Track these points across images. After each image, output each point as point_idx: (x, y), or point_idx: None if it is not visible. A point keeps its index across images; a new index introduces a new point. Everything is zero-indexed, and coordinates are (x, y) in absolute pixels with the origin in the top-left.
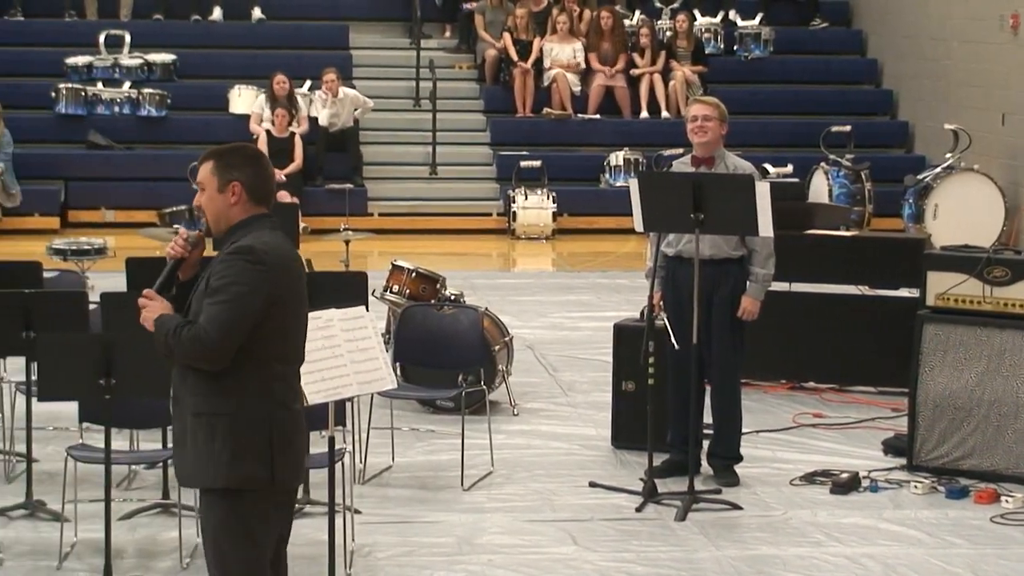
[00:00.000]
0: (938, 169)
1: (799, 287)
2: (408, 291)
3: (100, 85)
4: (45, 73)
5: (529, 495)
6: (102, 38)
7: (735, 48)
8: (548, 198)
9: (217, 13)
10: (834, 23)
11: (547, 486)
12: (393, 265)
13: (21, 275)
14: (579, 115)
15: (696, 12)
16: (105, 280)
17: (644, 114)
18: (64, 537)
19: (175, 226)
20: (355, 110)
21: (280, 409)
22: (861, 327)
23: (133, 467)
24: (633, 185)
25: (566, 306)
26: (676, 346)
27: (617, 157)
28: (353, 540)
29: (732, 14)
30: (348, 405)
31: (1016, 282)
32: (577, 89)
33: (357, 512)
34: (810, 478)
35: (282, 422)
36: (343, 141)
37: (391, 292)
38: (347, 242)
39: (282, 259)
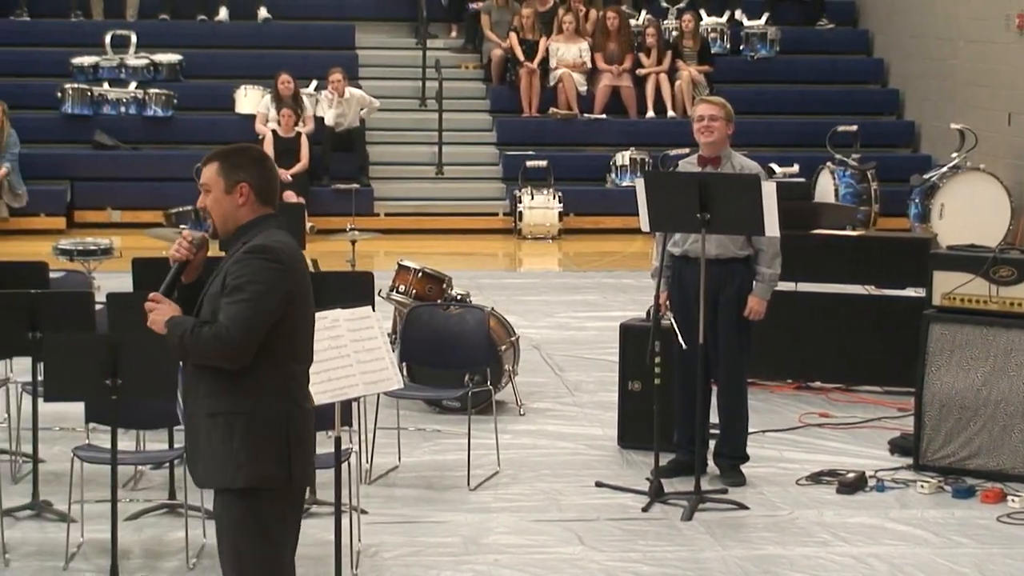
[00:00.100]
0: (944, 169)
1: (805, 287)
2: (414, 291)
3: (106, 85)
4: (51, 73)
5: (535, 495)
6: (108, 38)
7: (741, 48)
8: (554, 198)
9: (223, 13)
10: (840, 23)
11: (553, 486)
12: (399, 265)
13: (27, 275)
14: (585, 115)
15: (702, 12)
16: (111, 280)
17: (650, 114)
18: (70, 537)
19: (181, 226)
20: (361, 110)
21: (295, 408)
22: (867, 327)
23: (139, 467)
24: (639, 185)
25: (572, 306)
26: (684, 346)
27: (623, 157)
28: (359, 540)
29: (738, 14)
30: (354, 405)
31: (1022, 281)
32: (583, 89)
33: (363, 512)
34: (816, 478)
35: (297, 421)
36: (349, 141)
37: (397, 292)
38: (353, 242)
39: (295, 258)
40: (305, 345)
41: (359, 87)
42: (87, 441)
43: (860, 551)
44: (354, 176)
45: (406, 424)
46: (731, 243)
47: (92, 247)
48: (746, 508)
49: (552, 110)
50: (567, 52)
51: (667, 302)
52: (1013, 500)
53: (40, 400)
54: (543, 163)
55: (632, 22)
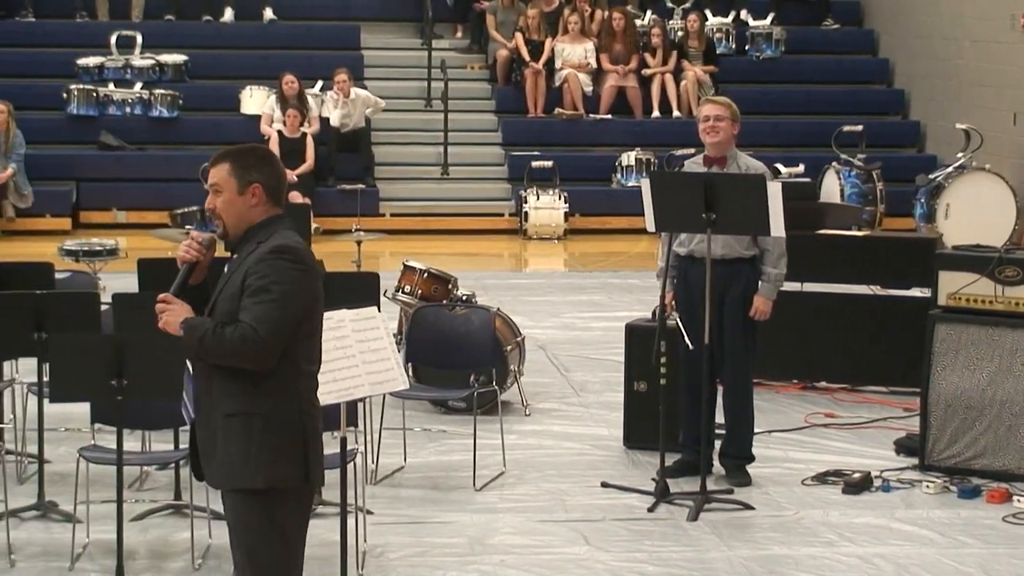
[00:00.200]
0: (950, 169)
1: (811, 287)
2: (420, 291)
3: (112, 86)
4: (57, 74)
5: (541, 495)
6: (114, 39)
7: (747, 48)
8: (560, 198)
9: (228, 14)
10: (846, 23)
11: (559, 486)
12: (405, 265)
13: (33, 276)
14: (591, 115)
15: (707, 12)
16: (117, 281)
17: (656, 114)
18: (76, 538)
19: (187, 227)
20: (367, 110)
21: (309, 408)
22: (873, 327)
23: (145, 468)
24: (645, 185)
25: (578, 306)
26: (690, 346)
27: (629, 157)
28: (365, 541)
29: (744, 14)
30: (360, 406)
31: None
32: (589, 89)
33: (369, 513)
34: (822, 478)
35: (311, 421)
36: (355, 141)
37: (403, 292)
38: (359, 243)
39: (313, 260)
40: (318, 346)
41: (364, 88)
42: (93, 442)
43: (866, 551)
44: (359, 177)
45: (412, 424)
46: (737, 243)
47: (98, 248)
48: (752, 508)
49: (557, 110)
50: (572, 52)
51: (673, 302)
52: (1019, 500)
53: (46, 401)
54: (549, 163)
55: (637, 22)
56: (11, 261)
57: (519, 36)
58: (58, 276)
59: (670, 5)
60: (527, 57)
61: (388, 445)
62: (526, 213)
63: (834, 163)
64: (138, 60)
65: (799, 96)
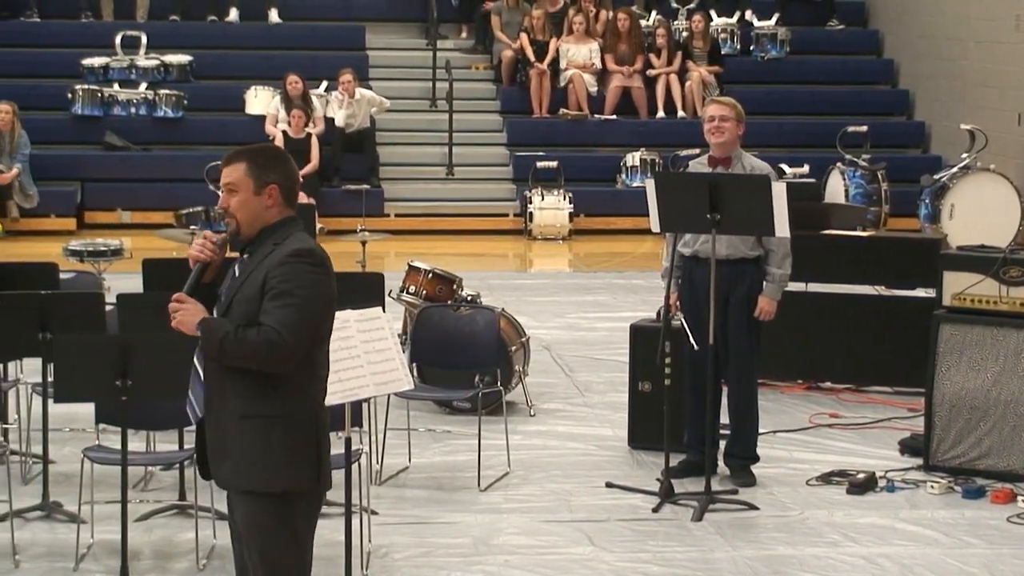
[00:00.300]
0: (954, 169)
1: (815, 287)
2: (425, 292)
3: (116, 86)
4: (61, 74)
5: (546, 496)
6: (118, 39)
7: (751, 48)
8: (564, 199)
9: (233, 14)
10: (850, 23)
11: (564, 487)
12: (410, 266)
13: (37, 276)
14: (596, 116)
15: (712, 12)
16: (121, 281)
17: (660, 114)
18: (80, 538)
19: (192, 227)
20: (371, 109)
21: (321, 411)
22: (877, 327)
23: (149, 468)
24: (650, 185)
25: (583, 306)
26: (695, 346)
27: (634, 157)
28: (370, 541)
29: (748, 14)
30: (365, 406)
31: None
32: (594, 90)
33: (374, 513)
34: (827, 478)
35: (323, 423)
36: (359, 142)
37: (408, 293)
38: (364, 243)
39: (330, 263)
40: (328, 349)
41: (369, 88)
42: (97, 442)
43: (870, 551)
44: (364, 177)
45: (416, 425)
46: (741, 243)
47: (102, 248)
48: (756, 508)
49: (562, 111)
50: (577, 53)
51: (677, 303)
52: (1023, 500)
53: (50, 401)
54: (553, 164)
55: (642, 23)
56: (16, 261)
57: (524, 36)
58: (63, 276)
59: (675, 5)
60: (532, 57)
61: (393, 445)
62: (531, 213)
63: (839, 163)
64: (143, 60)
65: (804, 96)
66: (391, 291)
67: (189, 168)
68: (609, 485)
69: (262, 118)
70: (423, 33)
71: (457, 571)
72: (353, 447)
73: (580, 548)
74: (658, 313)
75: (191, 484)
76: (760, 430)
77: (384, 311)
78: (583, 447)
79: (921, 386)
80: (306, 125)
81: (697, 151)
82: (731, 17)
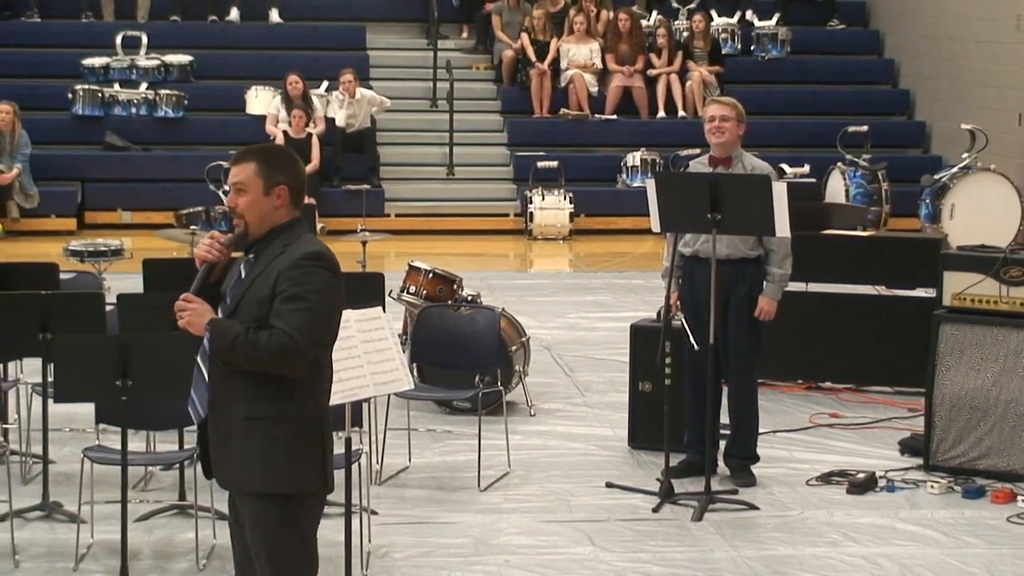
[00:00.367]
0: (955, 169)
1: (816, 287)
2: (425, 292)
3: (117, 86)
4: (62, 74)
5: (546, 496)
6: (119, 39)
7: (752, 48)
8: (565, 199)
9: (234, 14)
10: (851, 23)
11: (564, 487)
12: (410, 266)
13: (38, 276)
14: (596, 116)
15: (713, 12)
16: (122, 281)
17: (661, 114)
18: (80, 538)
19: (192, 227)
20: (372, 109)
21: (326, 412)
22: (878, 327)
23: (149, 468)
24: (650, 185)
25: (583, 306)
26: (695, 346)
27: (634, 157)
28: (370, 541)
29: (749, 14)
30: (365, 406)
31: None
32: (594, 90)
33: (374, 513)
34: (827, 478)
35: (328, 425)
36: (360, 142)
37: (408, 293)
38: (364, 243)
39: (339, 266)
40: (331, 351)
41: (370, 88)
42: (97, 442)
43: (870, 551)
44: (365, 177)
45: (416, 425)
46: (742, 243)
47: (103, 248)
48: (756, 508)
49: (563, 111)
50: (578, 53)
51: (678, 303)
52: (1023, 500)
53: (50, 401)
54: (554, 164)
55: (643, 23)
56: (16, 261)
57: (525, 36)
58: (63, 276)
59: (676, 5)
60: (533, 57)
61: (393, 445)
62: (531, 213)
63: (839, 163)
64: (143, 60)
65: (804, 96)
66: (391, 291)
67: (190, 168)
68: (609, 485)
69: (263, 118)
70: (424, 33)
71: (457, 571)
72: (353, 447)
73: (580, 548)
74: (658, 313)
75: (191, 484)
76: (760, 430)
77: (384, 311)
78: (583, 447)
79: (921, 386)
80: (307, 125)
81: (698, 151)
82: (732, 17)
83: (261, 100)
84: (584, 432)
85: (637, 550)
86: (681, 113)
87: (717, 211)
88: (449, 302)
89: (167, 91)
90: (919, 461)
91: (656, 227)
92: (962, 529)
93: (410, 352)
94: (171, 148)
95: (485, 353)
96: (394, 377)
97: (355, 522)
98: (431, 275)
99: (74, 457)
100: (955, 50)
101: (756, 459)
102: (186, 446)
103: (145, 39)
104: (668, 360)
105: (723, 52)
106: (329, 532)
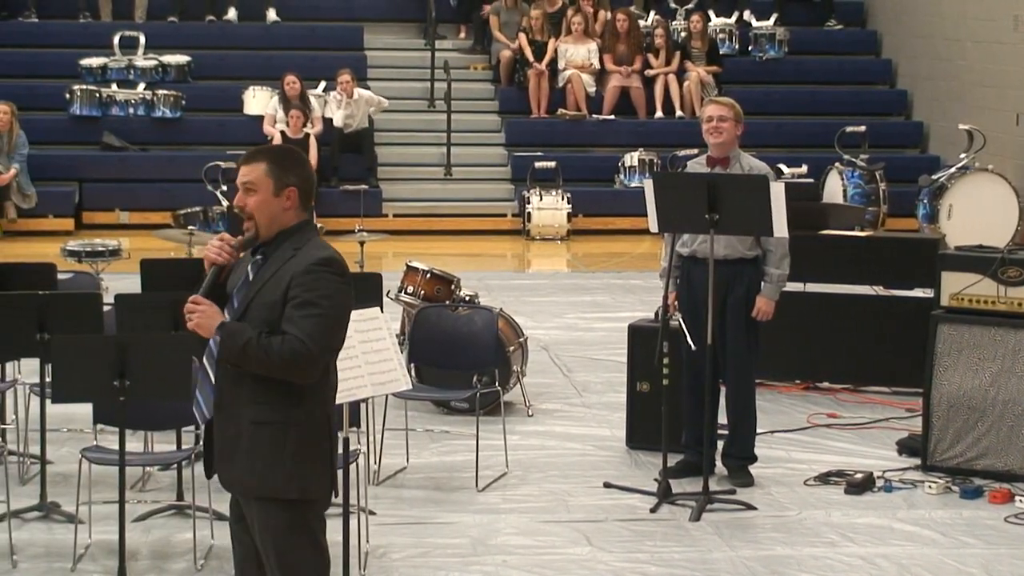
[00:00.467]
0: (952, 169)
1: (814, 287)
2: (423, 292)
3: (115, 86)
4: (60, 75)
5: (543, 496)
6: (116, 39)
7: (750, 48)
8: (563, 199)
9: (232, 14)
10: (849, 24)
11: (561, 487)
12: (408, 266)
13: (35, 277)
14: (594, 116)
15: (711, 13)
16: (120, 282)
17: (659, 115)
18: (78, 539)
19: (190, 227)
20: (370, 109)
21: (332, 416)
22: (875, 327)
23: (147, 469)
24: (648, 185)
25: (581, 307)
26: (693, 347)
27: (632, 158)
28: (367, 541)
29: (747, 15)
30: (363, 406)
31: None
32: (592, 90)
33: (371, 513)
34: (824, 478)
35: (335, 429)
36: (358, 142)
37: (406, 293)
38: (362, 243)
39: (349, 270)
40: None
41: (368, 88)
42: (95, 442)
43: (868, 551)
44: (363, 177)
45: (414, 425)
46: (739, 244)
47: (100, 248)
48: (754, 508)
49: (561, 111)
50: (576, 53)
51: (676, 303)
52: (1021, 501)
53: (48, 401)
54: (552, 164)
55: (641, 23)
56: (14, 262)
57: (523, 37)
58: (61, 277)
59: (673, 6)
60: (531, 58)
61: (390, 446)
62: (529, 214)
63: (837, 164)
64: (141, 61)
65: (802, 97)
66: (389, 291)
67: (187, 168)
68: (607, 485)
69: (260, 118)
70: (421, 33)
71: (455, 571)
72: (351, 447)
73: (578, 548)
74: (656, 313)
75: (189, 484)
76: (758, 430)
77: (382, 311)
78: (581, 447)
79: (919, 386)
80: (304, 125)
81: (695, 151)
82: (729, 17)
83: (259, 100)
84: (582, 432)
85: (635, 550)
86: (679, 113)
87: (715, 211)
88: (447, 302)
89: (165, 91)
90: (917, 461)
91: (654, 227)
92: (960, 529)
93: (408, 352)
94: (169, 148)
95: (483, 353)
96: (392, 377)
97: (353, 522)
98: (429, 275)
99: (72, 457)
100: (953, 50)
101: (754, 459)
102: (184, 446)
103: (143, 39)
104: (666, 360)
105: (721, 52)
106: (327, 532)
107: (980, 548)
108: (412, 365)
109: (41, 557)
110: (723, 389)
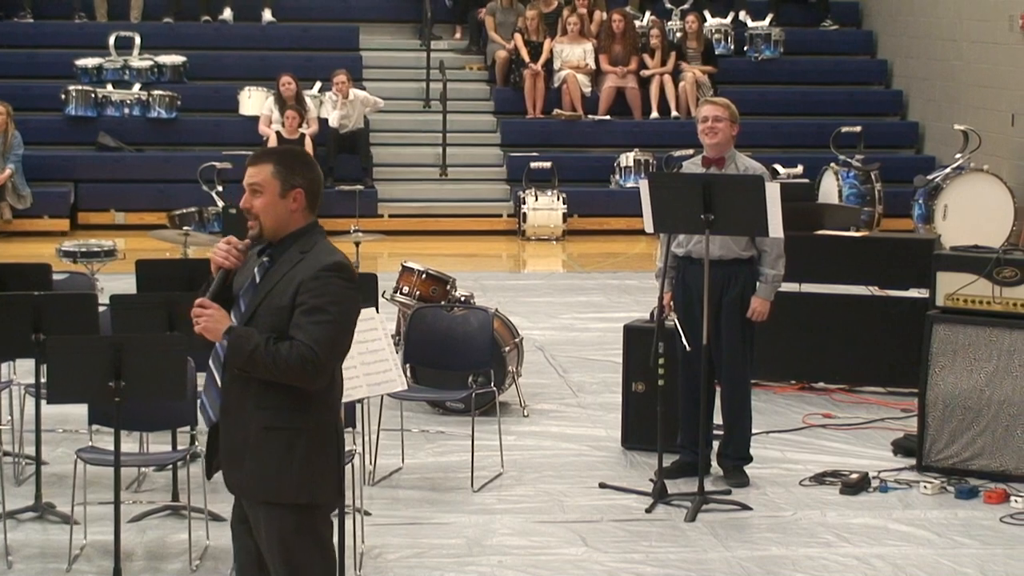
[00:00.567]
0: (948, 170)
1: (809, 288)
2: (418, 292)
3: (110, 87)
4: (55, 75)
5: (539, 496)
6: (112, 40)
7: (745, 49)
8: (558, 199)
9: (227, 14)
10: (844, 24)
11: (557, 487)
12: (403, 266)
13: (31, 277)
14: (589, 116)
15: (706, 13)
16: (115, 282)
17: (655, 115)
18: (73, 539)
19: (185, 228)
20: (365, 109)
21: (339, 421)
22: (871, 328)
23: (142, 469)
24: (643, 186)
25: (576, 307)
26: (688, 347)
27: (627, 158)
28: (363, 542)
29: (742, 15)
30: (358, 407)
31: None
32: (588, 90)
33: (367, 514)
34: (820, 478)
35: (342, 434)
36: (353, 142)
37: (401, 293)
38: (357, 244)
39: (356, 274)
40: None
41: (363, 88)
42: (90, 443)
43: (863, 552)
44: (358, 178)
45: (410, 426)
46: (735, 244)
47: (96, 249)
48: (749, 509)
49: (556, 111)
50: (571, 53)
51: (671, 303)
52: (1016, 501)
53: (43, 402)
54: (547, 164)
55: (636, 23)
56: (9, 262)
57: (518, 37)
58: (56, 277)
59: (669, 6)
60: (526, 58)
61: (386, 446)
62: (525, 214)
63: (832, 164)
64: (137, 61)
65: (798, 97)
66: (384, 292)
67: (183, 169)
68: (602, 486)
69: (256, 119)
70: (417, 33)
71: (450, 572)
72: (346, 448)
73: (573, 548)
74: (652, 314)
75: (184, 485)
76: (753, 430)
77: (377, 312)
78: (576, 448)
79: (914, 386)
80: (300, 126)
81: (691, 151)
82: (725, 18)
83: (254, 101)
84: (577, 433)
85: (630, 551)
86: (674, 114)
87: (710, 212)
88: (442, 303)
89: (160, 92)
90: (912, 461)
91: (649, 228)
92: (955, 529)
93: (403, 353)
94: (164, 149)
95: (478, 354)
96: (387, 378)
97: (348, 523)
98: (424, 276)
99: (67, 458)
100: (948, 51)
101: (749, 459)
102: (179, 447)
103: (138, 40)
104: (661, 361)
105: (716, 53)
106: None
107: (975, 548)
108: (408, 365)
109: (36, 558)
110: (719, 389)
